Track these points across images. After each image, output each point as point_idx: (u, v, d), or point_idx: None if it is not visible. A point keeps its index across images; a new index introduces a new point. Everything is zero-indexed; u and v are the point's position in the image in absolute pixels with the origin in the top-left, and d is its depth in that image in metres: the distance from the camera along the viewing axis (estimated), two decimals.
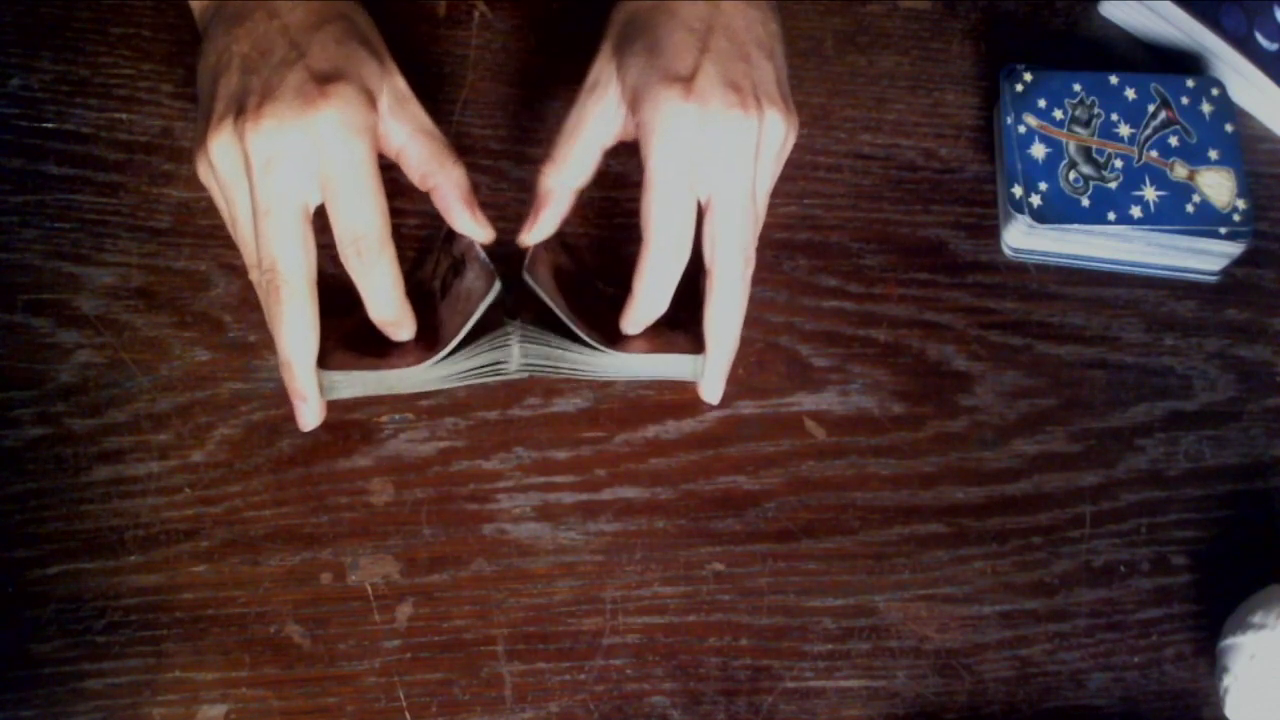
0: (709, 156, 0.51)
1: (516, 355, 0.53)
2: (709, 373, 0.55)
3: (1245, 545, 0.58)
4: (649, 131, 0.51)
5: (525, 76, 0.64)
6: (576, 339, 0.53)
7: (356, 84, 0.50)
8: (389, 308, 0.52)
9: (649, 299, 0.53)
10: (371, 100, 0.50)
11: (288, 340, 0.51)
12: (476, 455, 0.56)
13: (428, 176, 0.53)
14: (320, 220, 0.50)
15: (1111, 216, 0.60)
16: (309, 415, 0.53)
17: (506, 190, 0.61)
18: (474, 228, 0.54)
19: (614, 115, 0.53)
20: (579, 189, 0.55)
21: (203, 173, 0.51)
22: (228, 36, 0.52)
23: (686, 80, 0.50)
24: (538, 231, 0.55)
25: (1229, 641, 0.53)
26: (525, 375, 0.54)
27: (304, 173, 0.49)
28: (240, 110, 0.49)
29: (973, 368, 0.60)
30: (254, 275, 0.51)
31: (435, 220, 0.57)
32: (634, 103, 0.52)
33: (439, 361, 0.52)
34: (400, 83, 0.53)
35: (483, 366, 0.53)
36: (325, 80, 0.49)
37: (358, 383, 0.53)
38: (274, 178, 0.49)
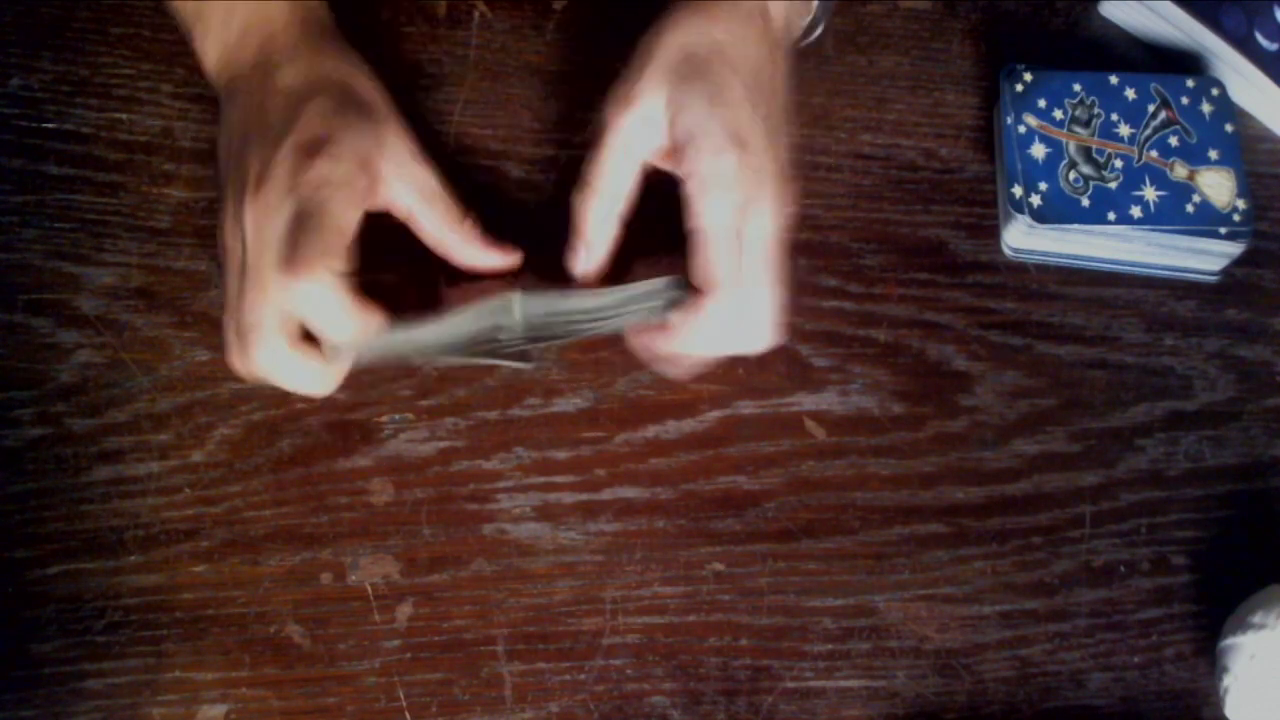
0: (756, 209, 0.51)
1: (518, 311, 0.52)
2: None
3: (1245, 545, 0.58)
4: (706, 184, 0.50)
5: (525, 76, 0.64)
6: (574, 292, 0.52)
7: (346, 150, 0.50)
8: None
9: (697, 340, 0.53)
10: (363, 165, 0.51)
11: (291, 387, 0.51)
12: (476, 455, 0.56)
13: (441, 241, 0.54)
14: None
15: (1111, 216, 0.60)
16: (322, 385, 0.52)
17: (507, 190, 0.61)
18: (501, 260, 0.55)
19: (655, 138, 0.52)
20: (619, 210, 0.54)
21: (225, 248, 0.52)
22: (232, 106, 0.54)
23: (745, 141, 0.50)
24: (588, 257, 0.54)
25: (1229, 641, 0.53)
26: (528, 354, 0.53)
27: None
28: (241, 190, 0.50)
29: (973, 368, 0.60)
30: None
31: None
32: (686, 144, 0.51)
33: (442, 322, 0.51)
34: (401, 146, 0.53)
35: (486, 330, 0.52)
36: (313, 150, 0.50)
37: (362, 346, 0.51)
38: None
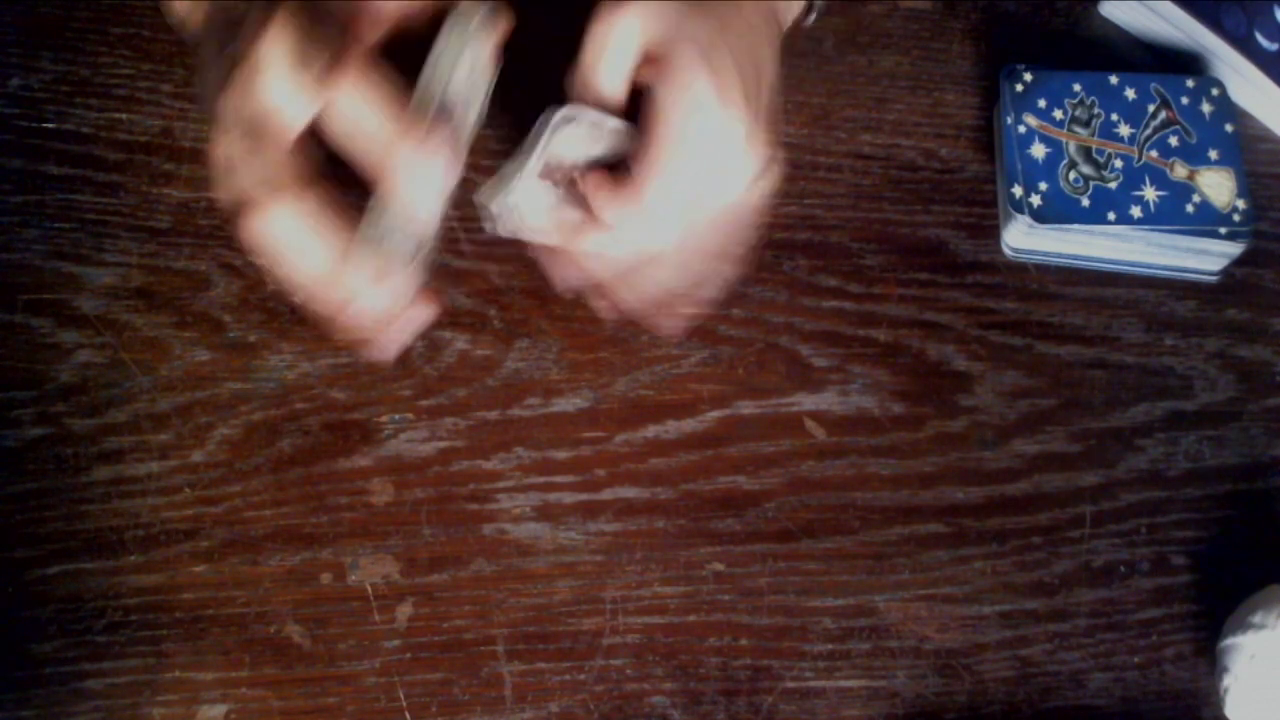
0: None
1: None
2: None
3: (1245, 545, 0.58)
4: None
5: (525, 76, 0.64)
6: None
7: None
8: None
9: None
10: None
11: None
12: (476, 455, 0.56)
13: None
14: None
15: (1111, 216, 0.60)
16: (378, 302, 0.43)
17: None
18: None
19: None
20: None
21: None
22: None
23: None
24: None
25: (1229, 641, 0.53)
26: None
27: None
28: None
29: (973, 368, 0.60)
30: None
31: None
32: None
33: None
34: None
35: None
36: None
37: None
38: None
